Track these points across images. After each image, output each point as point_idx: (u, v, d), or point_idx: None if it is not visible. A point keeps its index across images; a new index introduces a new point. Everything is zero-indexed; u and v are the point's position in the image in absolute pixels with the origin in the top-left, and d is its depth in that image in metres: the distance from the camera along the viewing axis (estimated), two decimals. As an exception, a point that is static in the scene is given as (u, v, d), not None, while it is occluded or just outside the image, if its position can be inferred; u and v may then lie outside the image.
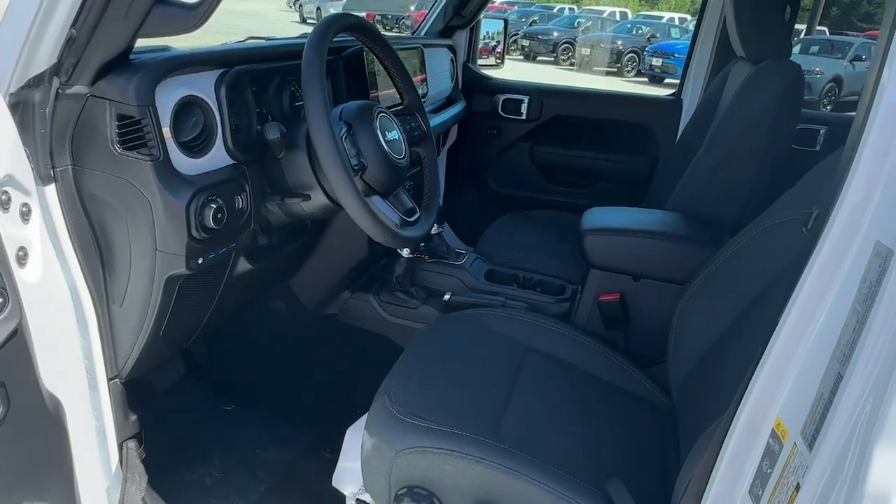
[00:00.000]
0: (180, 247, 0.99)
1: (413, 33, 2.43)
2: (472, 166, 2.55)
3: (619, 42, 14.85)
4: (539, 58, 15.48)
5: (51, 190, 0.90)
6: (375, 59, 1.54)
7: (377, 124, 1.17)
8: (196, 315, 1.19)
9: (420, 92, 1.88)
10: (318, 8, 17.46)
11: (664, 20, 17.62)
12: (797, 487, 0.63)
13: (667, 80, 12.82)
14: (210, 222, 1.00)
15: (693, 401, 1.17)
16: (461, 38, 2.40)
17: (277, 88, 1.25)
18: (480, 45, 2.54)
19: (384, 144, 1.16)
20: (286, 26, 16.17)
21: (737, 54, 1.87)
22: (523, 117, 2.42)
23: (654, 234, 1.52)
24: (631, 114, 2.35)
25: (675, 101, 2.31)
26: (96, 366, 1.03)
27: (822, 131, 2.08)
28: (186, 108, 1.01)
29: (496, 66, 2.62)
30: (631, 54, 14.54)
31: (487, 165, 2.55)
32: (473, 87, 2.46)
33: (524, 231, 2.08)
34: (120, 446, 1.12)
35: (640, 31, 15.72)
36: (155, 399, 1.36)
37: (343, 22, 1.14)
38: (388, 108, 1.28)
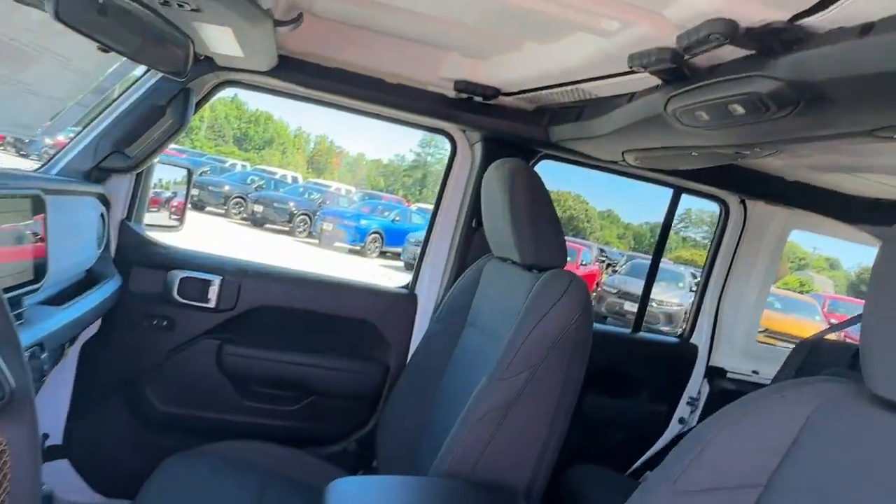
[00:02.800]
0: None
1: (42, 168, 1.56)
2: (121, 374, 1.66)
3: (292, 203, 15.12)
4: (208, 209, 14.68)
5: None
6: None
7: None
8: None
9: (13, 270, 1.06)
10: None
11: (332, 188, 18.82)
12: None
13: (336, 244, 13.38)
14: None
15: None
16: (121, 185, 1.62)
17: None
18: (150, 195, 1.79)
19: None
20: None
21: (495, 254, 1.57)
22: (211, 305, 1.70)
23: None
24: (357, 308, 1.83)
25: (410, 296, 1.90)
26: None
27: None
28: None
29: (173, 227, 1.89)
30: (303, 216, 14.92)
31: (148, 373, 1.68)
32: (135, 257, 1.66)
33: (206, 484, 1.34)
34: None
35: (311, 196, 16.33)
36: None
37: None
38: None
